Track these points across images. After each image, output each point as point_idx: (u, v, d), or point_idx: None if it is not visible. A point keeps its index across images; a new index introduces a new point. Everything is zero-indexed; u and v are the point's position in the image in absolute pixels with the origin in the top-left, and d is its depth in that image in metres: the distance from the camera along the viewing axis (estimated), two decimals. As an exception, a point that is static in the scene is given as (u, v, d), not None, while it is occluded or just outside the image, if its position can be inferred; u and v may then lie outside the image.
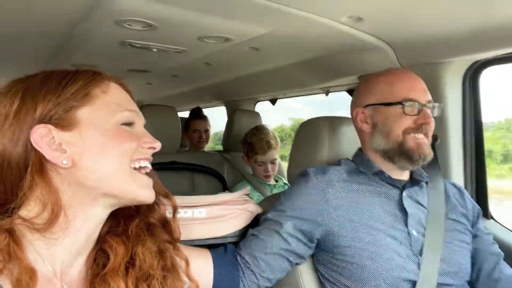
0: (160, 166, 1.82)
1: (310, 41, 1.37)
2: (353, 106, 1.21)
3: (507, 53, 1.24)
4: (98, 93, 0.69)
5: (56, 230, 0.64)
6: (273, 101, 2.91)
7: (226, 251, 1.01)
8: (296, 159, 1.35)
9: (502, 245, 1.20)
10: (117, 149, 0.67)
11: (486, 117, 1.45)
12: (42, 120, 0.64)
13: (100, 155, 0.66)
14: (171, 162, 2.08)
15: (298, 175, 1.17)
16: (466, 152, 1.45)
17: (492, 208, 1.46)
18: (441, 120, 1.36)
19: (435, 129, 1.14)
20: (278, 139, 2.25)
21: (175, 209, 0.85)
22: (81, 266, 0.70)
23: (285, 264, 1.05)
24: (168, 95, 3.17)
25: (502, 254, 1.15)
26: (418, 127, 1.08)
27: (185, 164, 2.14)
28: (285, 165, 2.59)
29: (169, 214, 0.85)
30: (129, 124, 0.71)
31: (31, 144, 0.62)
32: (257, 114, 2.74)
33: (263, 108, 3.00)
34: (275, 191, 2.17)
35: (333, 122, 1.30)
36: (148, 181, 0.72)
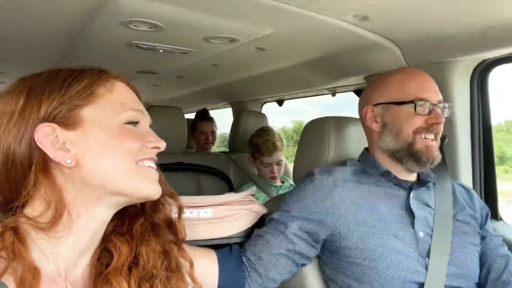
0: (166, 167, 1.83)
1: (315, 41, 1.36)
2: (362, 104, 1.20)
3: (517, 52, 1.23)
4: (103, 92, 0.69)
5: (60, 229, 0.64)
6: (280, 102, 2.90)
7: (231, 251, 1.01)
8: (302, 159, 1.35)
9: (512, 247, 1.18)
10: (120, 149, 0.66)
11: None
12: (47, 119, 0.64)
13: (104, 154, 0.65)
14: (177, 163, 2.09)
15: (303, 175, 1.16)
16: (475, 153, 1.43)
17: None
18: (449, 120, 1.35)
19: (443, 129, 1.13)
20: (284, 141, 2.24)
21: (180, 209, 0.84)
22: (85, 265, 0.70)
23: (291, 265, 1.04)
24: (174, 96, 3.18)
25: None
26: (429, 127, 1.07)
27: (191, 165, 2.14)
28: (289, 166, 2.59)
29: (174, 214, 0.84)
30: (134, 123, 0.71)
31: (35, 143, 0.63)
32: (263, 115, 2.74)
33: (267, 110, 3.00)
34: (281, 192, 2.16)
35: (338, 122, 1.29)
36: (155, 175, 0.72)
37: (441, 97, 1.11)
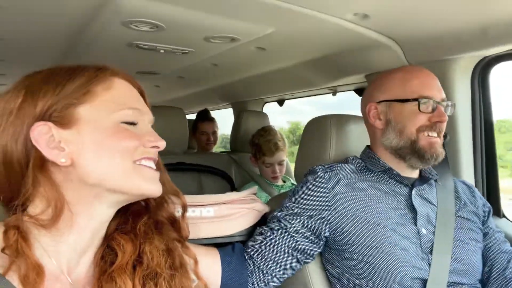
0: (168, 167, 1.83)
1: (316, 40, 1.37)
2: (365, 101, 1.20)
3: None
4: (100, 90, 0.68)
5: (61, 227, 0.65)
6: (281, 102, 2.90)
7: (234, 249, 1.01)
8: (303, 157, 1.35)
9: (515, 244, 1.18)
10: (115, 148, 0.65)
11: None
12: (42, 118, 0.63)
13: (98, 154, 0.64)
14: (178, 163, 2.09)
15: (305, 173, 1.17)
16: (476, 150, 1.43)
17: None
18: (450, 117, 1.35)
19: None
20: (286, 140, 2.24)
21: (184, 208, 0.84)
22: (89, 263, 0.70)
23: (294, 262, 1.04)
24: (175, 97, 3.18)
25: (515, 252, 1.13)
26: (432, 125, 1.07)
27: (192, 165, 2.14)
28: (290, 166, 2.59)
29: (178, 213, 0.84)
30: (131, 122, 0.69)
31: (31, 142, 0.62)
32: (264, 115, 2.74)
33: (266, 110, 3.00)
34: (282, 191, 2.16)
35: (339, 120, 1.29)
36: (154, 174, 0.71)
37: (444, 95, 1.12)
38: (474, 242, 1.10)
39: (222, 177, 2.20)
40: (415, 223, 1.06)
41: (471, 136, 1.43)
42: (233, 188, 2.21)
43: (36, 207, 0.64)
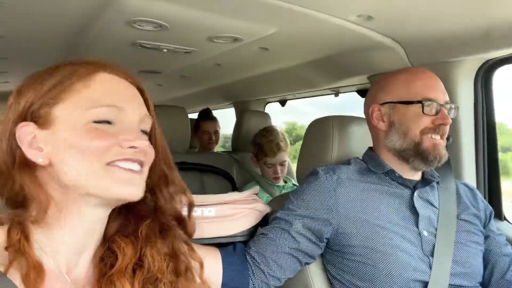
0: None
1: (319, 41, 1.37)
2: (369, 103, 1.20)
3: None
4: (80, 87, 0.65)
5: (52, 225, 0.64)
6: (283, 102, 2.90)
7: (235, 250, 1.01)
8: (305, 159, 1.35)
9: (516, 247, 1.18)
10: (86, 150, 0.62)
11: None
12: (25, 117, 0.64)
13: (70, 155, 0.62)
14: (180, 163, 2.09)
15: (307, 174, 1.17)
16: (479, 153, 1.43)
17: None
18: (453, 120, 1.35)
19: None
20: (288, 141, 2.24)
21: (191, 206, 0.83)
22: (88, 263, 0.70)
23: (295, 263, 1.04)
24: (178, 96, 3.19)
25: (516, 255, 1.13)
26: (435, 128, 1.07)
27: (194, 165, 2.14)
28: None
29: (184, 212, 0.83)
30: (105, 121, 0.64)
31: (16, 142, 0.63)
32: (266, 115, 2.74)
33: (267, 110, 3.00)
34: (284, 192, 2.16)
35: (342, 121, 1.29)
36: (129, 176, 0.65)
37: (448, 98, 1.12)
38: (475, 244, 1.10)
39: (224, 177, 2.20)
40: (417, 225, 1.06)
41: (473, 139, 1.43)
42: (235, 188, 2.21)
43: (28, 205, 0.64)
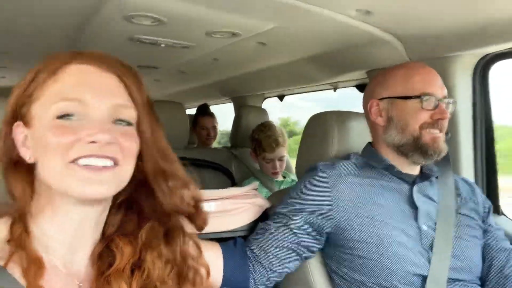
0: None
1: (317, 35, 1.36)
2: (367, 98, 1.20)
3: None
4: (50, 82, 0.63)
5: (41, 219, 0.65)
6: (281, 98, 2.90)
7: (235, 244, 1.02)
8: (305, 154, 1.35)
9: (514, 241, 1.19)
10: (49, 147, 0.60)
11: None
12: (17, 117, 0.65)
13: (41, 154, 0.62)
14: (180, 158, 2.09)
15: (307, 169, 1.17)
16: (477, 148, 1.44)
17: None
18: (451, 115, 1.35)
19: None
20: (286, 136, 2.24)
21: (196, 199, 0.79)
22: (86, 260, 0.69)
23: (295, 258, 1.05)
24: (176, 91, 3.18)
25: (514, 249, 1.14)
26: (434, 123, 1.08)
27: (193, 160, 2.14)
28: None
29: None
30: (65, 115, 0.61)
31: (10, 140, 0.65)
32: (264, 111, 2.75)
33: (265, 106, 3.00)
34: (283, 187, 2.16)
35: (341, 117, 1.29)
36: (91, 175, 0.60)
37: (446, 93, 1.12)
38: (474, 239, 1.10)
39: (222, 173, 2.21)
40: (416, 219, 1.06)
41: (471, 134, 1.43)
42: (234, 183, 2.22)
43: (20, 199, 0.65)
